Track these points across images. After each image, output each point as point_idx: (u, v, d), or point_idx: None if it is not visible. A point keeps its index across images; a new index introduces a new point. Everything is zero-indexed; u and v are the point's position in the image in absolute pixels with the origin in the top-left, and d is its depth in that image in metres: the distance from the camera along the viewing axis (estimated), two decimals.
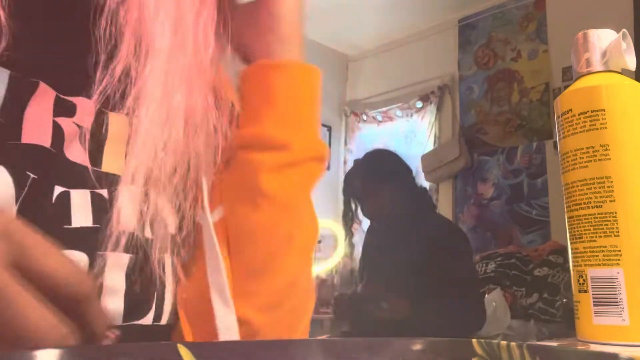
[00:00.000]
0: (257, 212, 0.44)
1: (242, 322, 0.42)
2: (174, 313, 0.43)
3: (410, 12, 3.54)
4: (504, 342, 0.27)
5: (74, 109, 0.40)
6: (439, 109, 3.54)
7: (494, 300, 2.24)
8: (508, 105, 3.20)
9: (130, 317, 0.39)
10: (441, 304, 1.74)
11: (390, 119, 3.85)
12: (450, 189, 3.40)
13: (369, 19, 3.63)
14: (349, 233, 2.13)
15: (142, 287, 0.40)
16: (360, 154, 2.25)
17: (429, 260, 1.78)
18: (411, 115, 3.71)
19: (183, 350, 0.24)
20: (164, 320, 0.42)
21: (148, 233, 0.41)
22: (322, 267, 3.27)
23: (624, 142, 0.41)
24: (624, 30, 0.44)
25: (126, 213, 0.40)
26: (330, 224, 3.33)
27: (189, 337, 0.42)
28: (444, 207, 3.32)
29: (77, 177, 0.39)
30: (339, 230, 3.31)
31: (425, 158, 3.37)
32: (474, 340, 0.28)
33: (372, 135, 3.87)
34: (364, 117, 3.97)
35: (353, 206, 2.08)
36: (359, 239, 2.19)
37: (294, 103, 0.47)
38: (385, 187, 1.93)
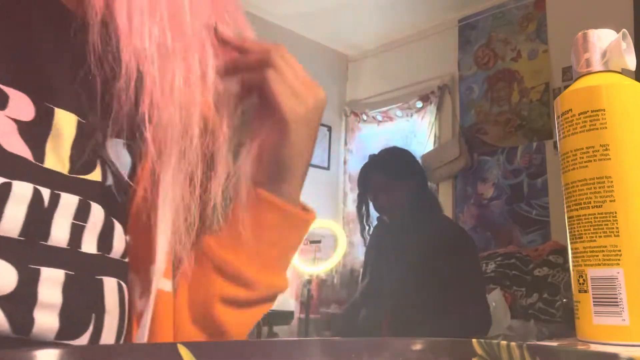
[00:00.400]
0: (202, 335, 0.45)
1: None
2: (119, 338, 0.42)
3: (410, 12, 3.54)
4: (504, 342, 0.27)
5: (6, 100, 0.38)
6: (439, 109, 3.54)
7: (493, 300, 2.24)
8: (508, 105, 3.20)
9: (65, 335, 0.37)
10: (449, 307, 1.74)
11: (390, 119, 3.84)
12: (450, 189, 3.40)
13: (369, 19, 3.63)
14: (367, 226, 2.15)
15: (80, 305, 0.38)
16: (360, 154, 2.25)
17: (437, 260, 1.79)
18: (411, 115, 3.70)
19: (183, 351, 0.24)
20: (102, 342, 0.40)
21: (91, 250, 0.40)
22: (322, 267, 3.27)
23: (624, 142, 0.41)
24: (624, 30, 0.44)
25: (62, 226, 0.38)
26: (330, 224, 3.32)
27: None
28: (444, 207, 3.29)
29: (18, 168, 0.37)
30: (339, 230, 3.31)
31: (425, 158, 3.37)
32: (474, 340, 0.28)
33: (372, 135, 3.87)
34: (364, 117, 3.97)
35: (367, 199, 2.10)
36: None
37: (279, 247, 0.47)
38: (399, 184, 1.95)
